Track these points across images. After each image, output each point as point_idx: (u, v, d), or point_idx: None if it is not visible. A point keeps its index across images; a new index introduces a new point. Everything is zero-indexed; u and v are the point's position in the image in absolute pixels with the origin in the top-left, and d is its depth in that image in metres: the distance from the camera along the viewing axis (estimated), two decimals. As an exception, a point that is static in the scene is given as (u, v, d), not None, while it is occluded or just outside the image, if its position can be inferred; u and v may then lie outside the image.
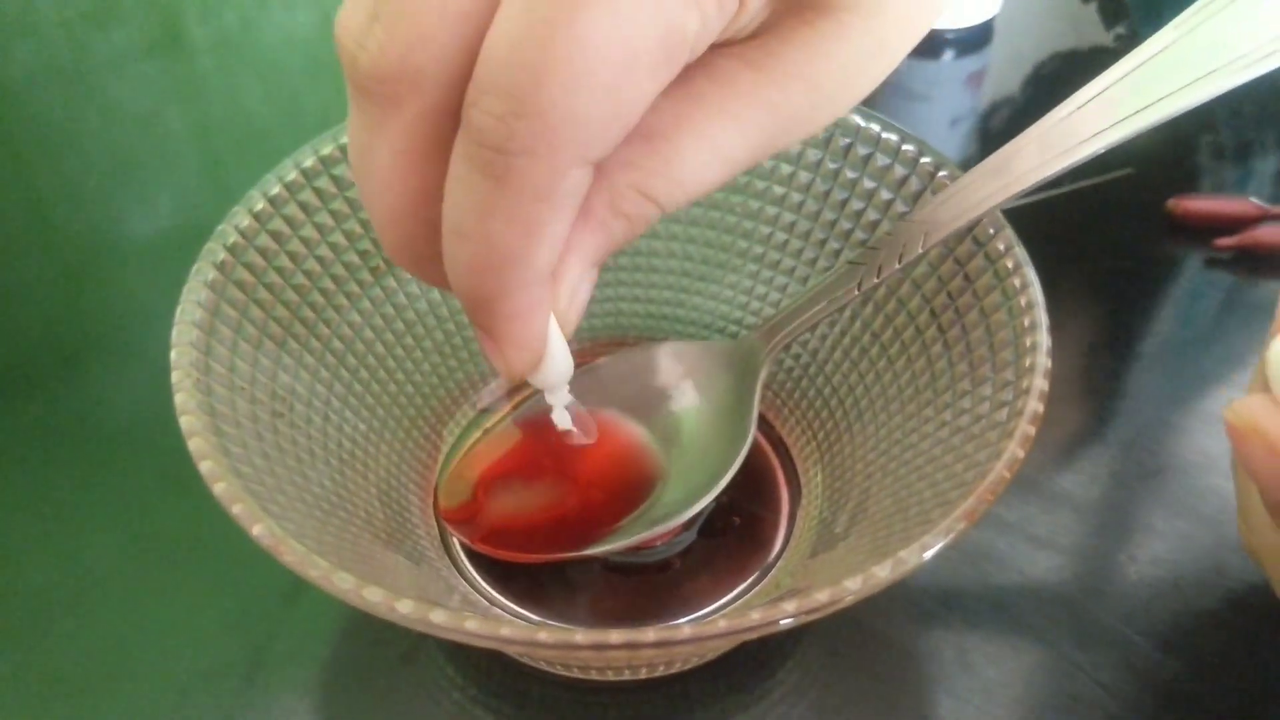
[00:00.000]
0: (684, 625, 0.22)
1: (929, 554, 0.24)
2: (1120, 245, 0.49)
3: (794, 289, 0.37)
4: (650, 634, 0.22)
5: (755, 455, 0.36)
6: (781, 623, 0.22)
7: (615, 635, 0.22)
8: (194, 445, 0.26)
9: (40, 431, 0.41)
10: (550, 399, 0.30)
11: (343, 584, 0.23)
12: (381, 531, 0.30)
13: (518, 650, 0.32)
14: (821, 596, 0.23)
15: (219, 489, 0.25)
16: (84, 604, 0.35)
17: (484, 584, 0.33)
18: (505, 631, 0.22)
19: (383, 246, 0.22)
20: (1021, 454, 0.26)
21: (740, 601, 0.33)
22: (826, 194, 0.35)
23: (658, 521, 0.32)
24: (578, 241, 0.22)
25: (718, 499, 0.32)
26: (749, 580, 0.33)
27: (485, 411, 0.39)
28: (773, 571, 0.33)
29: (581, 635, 0.22)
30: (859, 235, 0.35)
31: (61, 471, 0.39)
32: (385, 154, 0.20)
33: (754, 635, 0.23)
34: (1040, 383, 0.27)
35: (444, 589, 0.30)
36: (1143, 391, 0.42)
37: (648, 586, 0.34)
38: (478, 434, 0.37)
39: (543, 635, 0.22)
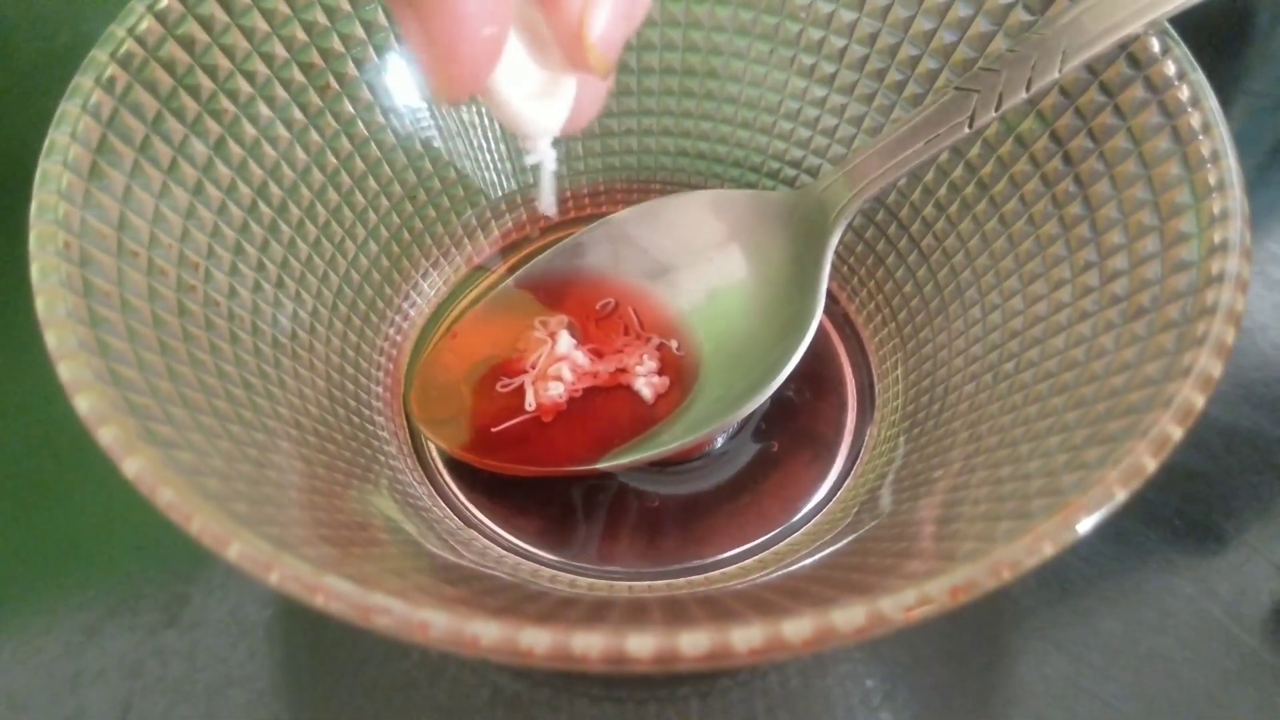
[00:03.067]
0: (739, 631, 0.15)
1: (1092, 521, 0.17)
2: (1267, 68, 0.40)
3: (874, 122, 0.29)
4: (681, 645, 0.15)
5: (816, 340, 0.28)
6: (881, 626, 0.15)
7: (635, 644, 0.15)
8: (52, 338, 0.19)
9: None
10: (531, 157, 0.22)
11: (252, 553, 0.16)
12: (328, 442, 0.23)
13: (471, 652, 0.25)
14: (936, 588, 0.16)
15: (82, 404, 0.18)
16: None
17: (468, 507, 0.26)
18: (482, 636, 0.15)
19: None
20: (1217, 370, 0.18)
21: (791, 538, 0.26)
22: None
23: (693, 428, 0.26)
24: None
25: (771, 399, 0.25)
26: (805, 509, 0.26)
27: (480, 269, 0.31)
28: (833, 501, 0.26)
29: (580, 640, 0.15)
30: (965, 53, 0.26)
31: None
32: None
33: (841, 643, 0.16)
34: (1237, 266, 0.19)
35: (410, 520, 0.23)
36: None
37: (675, 513, 0.27)
38: (463, 304, 0.30)
39: (514, 636, 0.15)
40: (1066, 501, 0.17)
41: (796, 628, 0.15)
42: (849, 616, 0.15)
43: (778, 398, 0.25)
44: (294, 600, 0.26)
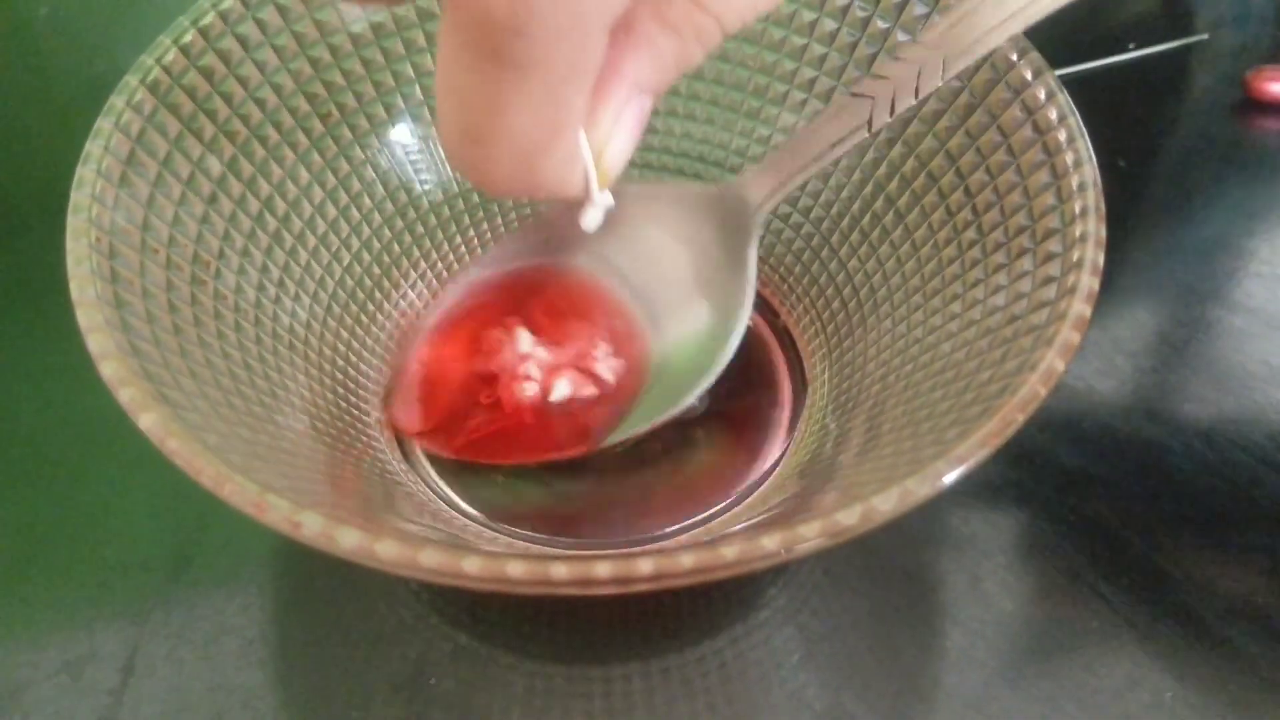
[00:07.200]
0: (643, 560, 0.18)
1: (945, 481, 0.20)
2: (1189, 122, 0.44)
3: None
4: (597, 569, 0.18)
5: (755, 344, 0.31)
6: (761, 559, 0.19)
7: (555, 569, 0.18)
8: (82, 316, 0.22)
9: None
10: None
11: (242, 491, 0.20)
12: (318, 421, 0.27)
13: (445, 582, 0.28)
14: (809, 530, 0.19)
15: (106, 370, 0.21)
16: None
17: (438, 483, 0.30)
18: (425, 560, 0.18)
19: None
20: (1061, 366, 0.21)
21: (723, 517, 0.29)
22: (812, 25, 0.30)
23: (650, 414, 0.29)
24: (615, 64, 0.18)
25: (716, 401, 0.28)
26: (737, 493, 0.30)
27: (454, 280, 0.35)
28: (765, 484, 0.29)
29: (511, 566, 0.18)
30: (853, 74, 0.30)
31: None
32: None
33: (729, 573, 0.19)
34: (1088, 280, 0.23)
35: (386, 491, 0.26)
36: (1202, 288, 0.37)
37: (624, 493, 0.30)
38: (436, 317, 0.33)
39: (469, 565, 0.18)
40: (924, 468, 0.20)
41: (688, 556, 0.18)
42: (730, 549, 0.18)
43: (722, 398, 0.28)
44: (283, 563, 0.29)
